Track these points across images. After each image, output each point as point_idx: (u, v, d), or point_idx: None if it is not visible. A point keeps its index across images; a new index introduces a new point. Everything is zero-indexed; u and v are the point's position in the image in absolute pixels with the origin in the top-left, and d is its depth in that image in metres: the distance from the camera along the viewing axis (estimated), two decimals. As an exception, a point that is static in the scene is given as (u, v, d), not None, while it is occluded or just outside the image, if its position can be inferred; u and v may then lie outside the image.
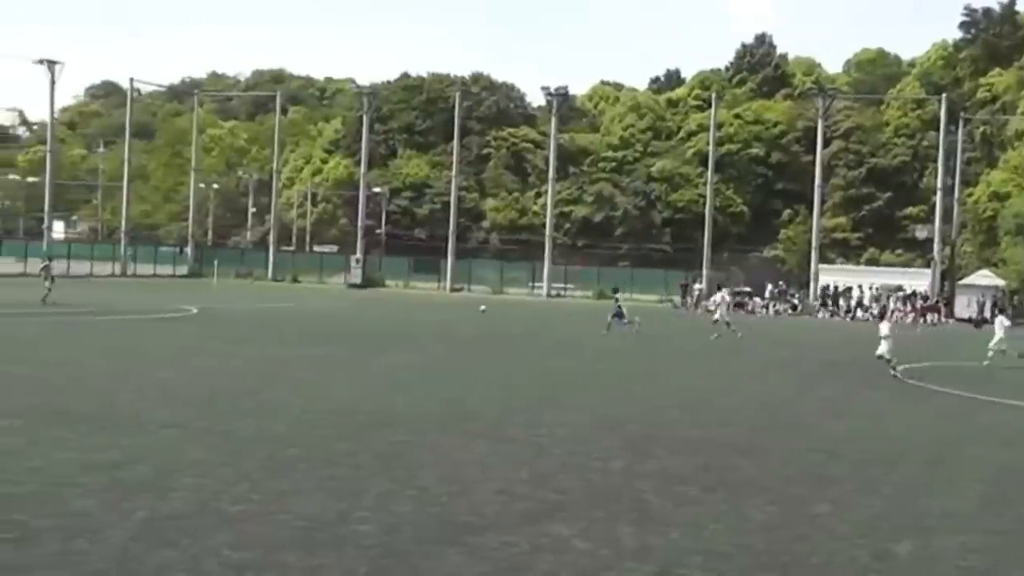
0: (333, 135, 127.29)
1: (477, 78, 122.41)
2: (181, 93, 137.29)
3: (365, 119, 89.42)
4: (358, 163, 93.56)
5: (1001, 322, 33.97)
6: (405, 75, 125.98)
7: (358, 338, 33.02)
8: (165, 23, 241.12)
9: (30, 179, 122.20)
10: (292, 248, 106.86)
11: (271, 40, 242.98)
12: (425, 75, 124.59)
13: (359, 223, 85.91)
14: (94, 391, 18.13)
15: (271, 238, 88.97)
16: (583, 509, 11.04)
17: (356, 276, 79.47)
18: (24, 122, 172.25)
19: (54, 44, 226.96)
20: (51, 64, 74.94)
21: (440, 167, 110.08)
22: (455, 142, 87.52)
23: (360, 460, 13.10)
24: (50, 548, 8.80)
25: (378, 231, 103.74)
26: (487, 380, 22.97)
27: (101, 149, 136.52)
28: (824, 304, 67.96)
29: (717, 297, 41.36)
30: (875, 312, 64.44)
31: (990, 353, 31.84)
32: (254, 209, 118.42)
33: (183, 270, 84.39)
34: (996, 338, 32.55)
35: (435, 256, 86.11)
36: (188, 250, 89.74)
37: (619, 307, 39.88)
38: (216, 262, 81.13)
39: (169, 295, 52.46)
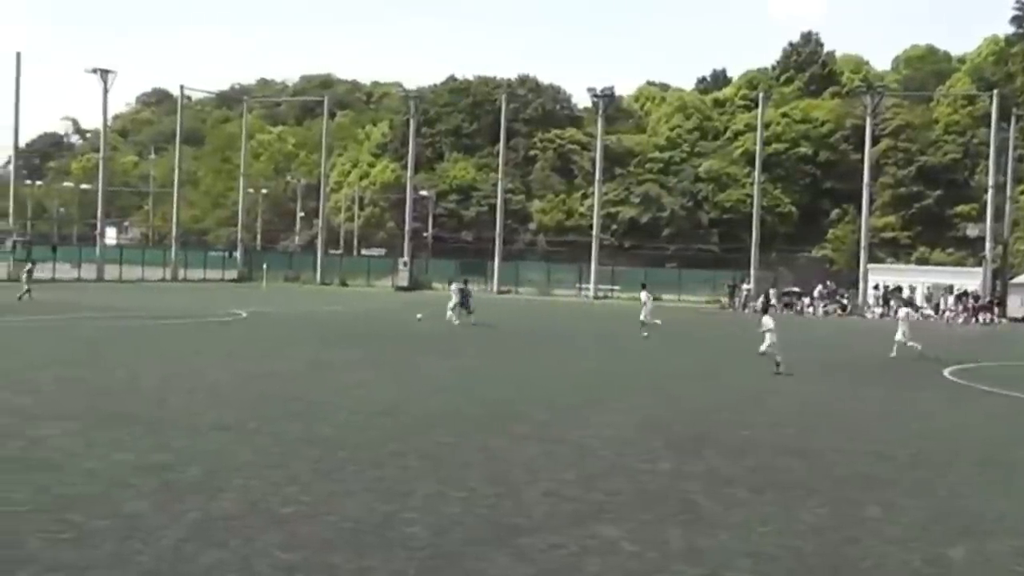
0: (380, 139, 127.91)
1: (523, 80, 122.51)
2: (230, 99, 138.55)
3: (412, 123, 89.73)
4: (405, 166, 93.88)
5: (905, 315, 34.87)
6: (451, 78, 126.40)
7: (405, 340, 33.14)
8: (214, 30, 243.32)
9: (83, 186, 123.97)
10: (340, 252, 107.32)
11: (318, 45, 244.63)
12: (471, 78, 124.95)
13: (406, 226, 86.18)
14: (147, 394, 18.34)
15: (319, 242, 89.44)
16: (631, 511, 11.04)
17: (404, 279, 79.70)
18: (78, 130, 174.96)
19: (106, 53, 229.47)
20: (104, 73, 75.79)
21: (487, 169, 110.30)
22: (501, 144, 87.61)
23: (408, 461, 13.17)
24: (105, 548, 8.95)
25: (425, 234, 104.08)
26: (533, 381, 22.99)
27: (152, 156, 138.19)
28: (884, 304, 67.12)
29: (643, 295, 40.82)
30: (927, 312, 63.81)
31: (895, 346, 32.56)
32: (302, 213, 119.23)
33: (232, 274, 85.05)
34: (900, 331, 33.17)
35: (482, 258, 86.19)
36: (237, 254, 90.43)
37: (464, 294, 41.39)
38: (265, 266, 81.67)
39: (219, 299, 52.90)
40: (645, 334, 37.06)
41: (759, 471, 13.41)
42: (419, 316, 40.25)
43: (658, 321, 38.88)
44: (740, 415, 18.76)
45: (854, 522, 10.97)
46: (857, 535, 10.44)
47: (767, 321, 26.77)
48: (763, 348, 26.38)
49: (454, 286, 42.71)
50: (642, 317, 38.72)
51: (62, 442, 13.61)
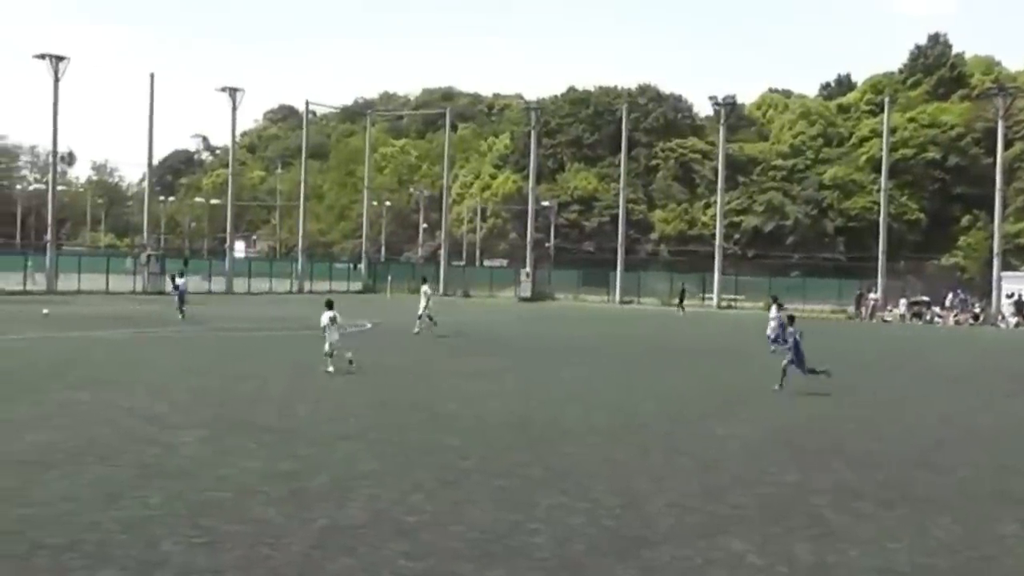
0: (502, 150, 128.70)
1: (644, 89, 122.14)
2: (354, 113, 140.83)
3: (533, 134, 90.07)
4: (526, 177, 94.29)
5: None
6: (572, 89, 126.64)
7: (529, 351, 33.19)
8: (338, 46, 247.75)
9: (213, 201, 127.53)
10: (463, 262, 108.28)
11: (440, 59, 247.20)
12: (592, 88, 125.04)
13: (528, 237, 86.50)
14: (275, 403, 18.69)
15: (442, 253, 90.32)
16: (757, 524, 10.88)
17: (526, 289, 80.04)
18: (208, 147, 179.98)
19: (235, 71, 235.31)
20: (232, 91, 77.70)
21: (608, 180, 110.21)
22: (623, 154, 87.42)
23: (532, 472, 13.18)
24: (236, 553, 9.15)
25: (547, 244, 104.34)
26: (658, 392, 22.80)
27: (279, 170, 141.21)
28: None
29: (424, 288, 39.69)
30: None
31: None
32: (425, 225, 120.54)
33: (357, 286, 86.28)
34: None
35: (604, 268, 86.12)
36: (362, 266, 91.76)
37: (181, 289, 43.04)
38: (389, 277, 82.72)
39: (344, 310, 53.65)
40: (416, 331, 36.83)
41: (889, 485, 13.10)
42: (45, 311, 40.68)
43: (434, 321, 37.79)
44: (870, 426, 18.36)
45: (990, 540, 10.65)
46: (993, 553, 10.13)
47: (324, 318, 24.49)
48: (326, 349, 24.14)
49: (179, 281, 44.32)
50: (420, 312, 38.00)
51: (195, 449, 13.97)
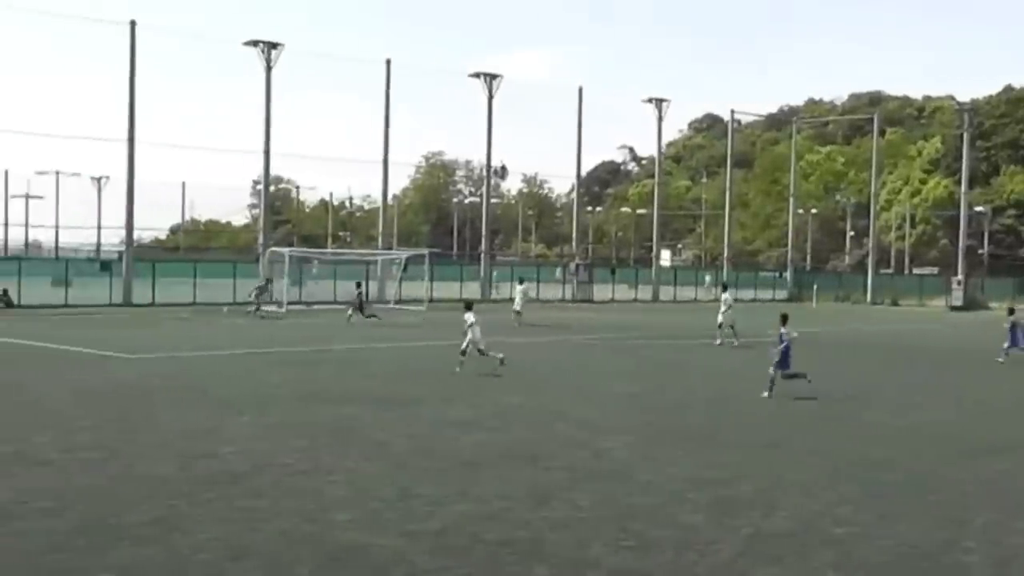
0: (933, 154, 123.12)
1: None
2: (779, 121, 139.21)
3: (965, 136, 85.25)
4: (958, 182, 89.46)
5: None
6: (1008, 88, 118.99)
7: (966, 362, 31.56)
8: (763, 54, 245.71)
9: (639, 211, 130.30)
10: (891, 270, 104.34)
11: (867, 62, 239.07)
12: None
13: (960, 243, 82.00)
14: (699, 411, 18.95)
15: (869, 261, 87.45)
16: None
17: (957, 298, 75.95)
18: (634, 158, 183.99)
19: (661, 82, 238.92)
20: (658, 102, 79.06)
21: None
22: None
23: (965, 487, 12.65)
24: (664, 558, 9.44)
25: (980, 252, 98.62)
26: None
27: (704, 180, 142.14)
28: None
29: (725, 296, 35.66)
30: None
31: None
32: (852, 232, 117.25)
33: (782, 294, 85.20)
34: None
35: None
36: (787, 274, 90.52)
37: (360, 298, 42.32)
38: (815, 286, 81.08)
39: (767, 320, 53.15)
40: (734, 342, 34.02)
41: None
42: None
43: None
44: None
45: None
46: None
47: (469, 317, 23.56)
48: (463, 347, 23.26)
49: None
50: (719, 320, 34.99)
51: (622, 454, 14.45)
